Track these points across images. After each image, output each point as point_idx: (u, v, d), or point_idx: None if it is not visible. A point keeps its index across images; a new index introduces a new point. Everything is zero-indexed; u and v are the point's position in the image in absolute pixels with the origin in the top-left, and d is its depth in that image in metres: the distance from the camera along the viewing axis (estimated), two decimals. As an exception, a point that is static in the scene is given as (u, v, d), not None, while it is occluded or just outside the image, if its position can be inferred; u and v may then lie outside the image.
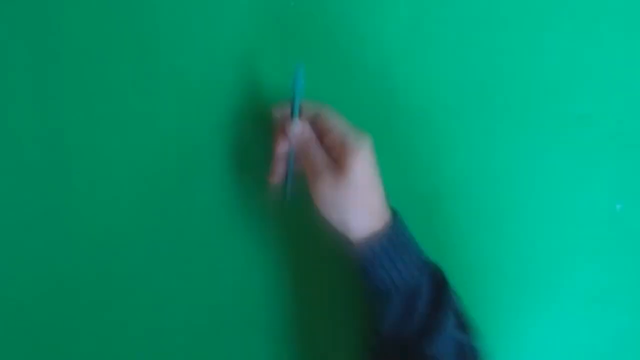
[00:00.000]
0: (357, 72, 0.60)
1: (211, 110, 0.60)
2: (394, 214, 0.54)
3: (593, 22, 0.60)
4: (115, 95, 0.60)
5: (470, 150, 0.60)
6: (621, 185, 0.60)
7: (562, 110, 0.60)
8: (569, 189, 0.60)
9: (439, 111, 0.60)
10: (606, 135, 0.60)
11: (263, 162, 0.57)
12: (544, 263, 0.61)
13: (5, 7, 0.60)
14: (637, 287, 0.61)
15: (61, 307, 0.61)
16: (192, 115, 0.60)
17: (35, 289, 0.61)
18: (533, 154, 0.60)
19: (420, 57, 0.60)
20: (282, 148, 0.55)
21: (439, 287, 0.53)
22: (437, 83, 0.60)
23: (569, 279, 0.61)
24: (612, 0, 0.60)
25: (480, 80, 0.60)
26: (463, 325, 0.54)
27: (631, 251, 0.61)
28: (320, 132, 0.54)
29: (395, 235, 0.52)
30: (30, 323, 0.61)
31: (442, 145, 0.60)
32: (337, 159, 0.52)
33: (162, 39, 0.60)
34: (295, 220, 0.60)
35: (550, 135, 0.60)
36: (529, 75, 0.60)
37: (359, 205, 0.51)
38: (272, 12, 0.60)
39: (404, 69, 0.60)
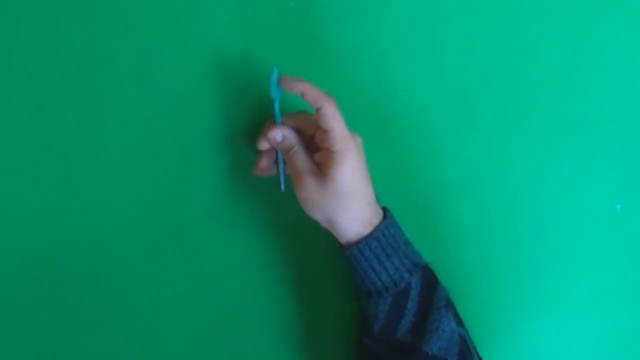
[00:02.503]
0: (357, 71, 0.60)
1: (211, 110, 0.60)
2: (385, 215, 0.54)
3: (593, 22, 0.60)
4: (112, 96, 0.60)
5: (469, 150, 0.60)
6: (621, 186, 0.60)
7: (562, 110, 0.60)
8: (569, 189, 0.60)
9: (439, 112, 0.60)
10: (607, 136, 0.60)
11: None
12: (543, 263, 0.61)
13: (5, 7, 0.60)
14: (637, 287, 0.61)
15: (61, 307, 0.61)
16: (192, 115, 0.60)
17: (35, 289, 0.61)
18: (533, 154, 0.60)
19: (419, 57, 0.60)
20: (261, 146, 0.56)
21: (430, 288, 0.53)
22: (437, 84, 0.60)
23: (569, 279, 0.61)
24: (612, 0, 0.60)
25: (480, 80, 0.60)
26: (459, 319, 0.54)
27: (631, 251, 0.61)
28: (310, 136, 0.55)
29: (385, 238, 0.53)
30: (30, 323, 0.61)
31: (441, 146, 0.60)
32: (321, 165, 0.52)
33: (160, 39, 0.60)
34: (291, 220, 0.60)
35: (550, 136, 0.60)
36: (529, 76, 0.60)
37: (344, 210, 0.52)
38: (272, 12, 0.60)
39: (402, 69, 0.60)
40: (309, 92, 0.52)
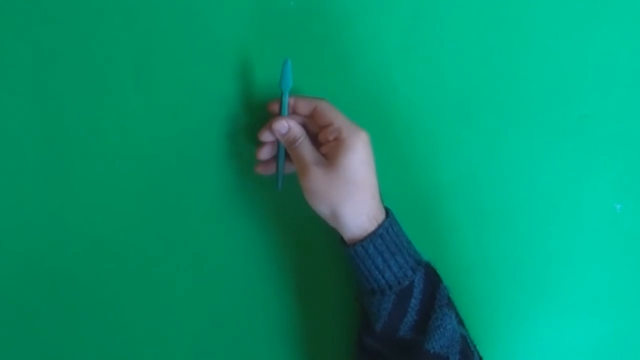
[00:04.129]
0: (357, 72, 0.60)
1: (211, 110, 0.60)
2: (388, 213, 0.54)
3: (593, 22, 0.60)
4: (113, 93, 0.60)
5: (468, 150, 0.60)
6: (621, 186, 0.60)
7: (562, 110, 0.60)
8: (569, 189, 0.60)
9: (439, 111, 0.60)
10: (606, 136, 0.60)
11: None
12: (543, 263, 0.61)
13: (5, 7, 0.60)
14: (637, 287, 0.61)
15: (61, 306, 0.61)
16: (192, 114, 0.60)
17: (35, 289, 0.61)
18: (533, 154, 0.60)
19: (419, 57, 0.60)
20: (264, 138, 0.56)
21: (432, 286, 0.53)
22: (437, 84, 0.60)
23: (569, 279, 0.61)
24: (612, 0, 0.60)
25: (480, 80, 0.60)
26: (459, 318, 0.54)
27: (631, 251, 0.61)
28: (317, 126, 0.55)
29: (389, 235, 0.53)
30: (30, 323, 0.61)
31: (441, 146, 0.60)
32: (330, 155, 0.52)
33: (161, 38, 0.60)
34: (292, 219, 0.60)
35: (550, 135, 0.60)
36: (529, 76, 0.60)
37: (350, 202, 0.51)
38: (272, 12, 0.60)
39: (403, 68, 0.60)
40: (300, 101, 0.54)
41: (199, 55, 0.60)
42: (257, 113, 0.59)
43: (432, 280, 0.54)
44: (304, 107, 0.55)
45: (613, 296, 0.61)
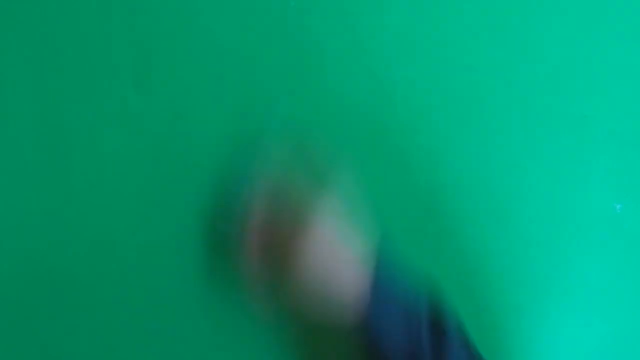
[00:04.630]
0: (357, 72, 0.60)
1: (210, 110, 0.60)
2: (376, 256, 0.50)
3: (593, 22, 0.60)
4: (113, 93, 0.60)
5: (468, 150, 0.60)
6: (621, 186, 0.60)
7: (562, 110, 0.60)
8: (569, 189, 0.60)
9: (439, 111, 0.60)
10: (606, 135, 0.60)
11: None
12: (543, 264, 0.61)
13: (5, 7, 0.60)
14: (637, 287, 0.61)
15: (61, 307, 0.61)
16: (191, 114, 0.60)
17: (35, 289, 0.61)
18: (532, 154, 0.60)
19: (420, 57, 0.60)
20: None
21: (437, 328, 0.49)
22: (437, 84, 0.60)
23: (569, 279, 0.61)
24: (612, 0, 0.60)
25: (480, 80, 0.60)
26: (469, 341, 0.52)
27: (631, 251, 0.61)
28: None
29: (378, 294, 0.48)
30: (30, 323, 0.61)
31: (440, 145, 0.60)
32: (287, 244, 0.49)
33: (161, 38, 0.60)
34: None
35: (550, 135, 0.60)
36: (529, 75, 0.60)
37: (321, 289, 0.48)
38: (272, 12, 0.60)
39: (403, 69, 0.60)
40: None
41: (199, 55, 0.60)
42: (258, 112, 0.59)
43: (435, 321, 0.49)
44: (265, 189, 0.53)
45: (613, 296, 0.61)
